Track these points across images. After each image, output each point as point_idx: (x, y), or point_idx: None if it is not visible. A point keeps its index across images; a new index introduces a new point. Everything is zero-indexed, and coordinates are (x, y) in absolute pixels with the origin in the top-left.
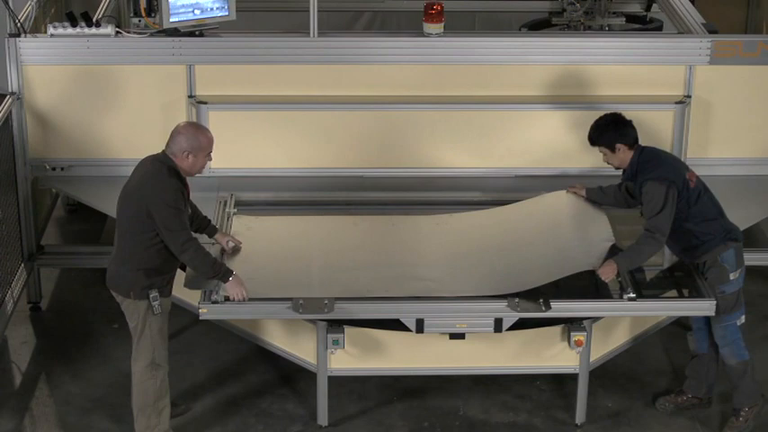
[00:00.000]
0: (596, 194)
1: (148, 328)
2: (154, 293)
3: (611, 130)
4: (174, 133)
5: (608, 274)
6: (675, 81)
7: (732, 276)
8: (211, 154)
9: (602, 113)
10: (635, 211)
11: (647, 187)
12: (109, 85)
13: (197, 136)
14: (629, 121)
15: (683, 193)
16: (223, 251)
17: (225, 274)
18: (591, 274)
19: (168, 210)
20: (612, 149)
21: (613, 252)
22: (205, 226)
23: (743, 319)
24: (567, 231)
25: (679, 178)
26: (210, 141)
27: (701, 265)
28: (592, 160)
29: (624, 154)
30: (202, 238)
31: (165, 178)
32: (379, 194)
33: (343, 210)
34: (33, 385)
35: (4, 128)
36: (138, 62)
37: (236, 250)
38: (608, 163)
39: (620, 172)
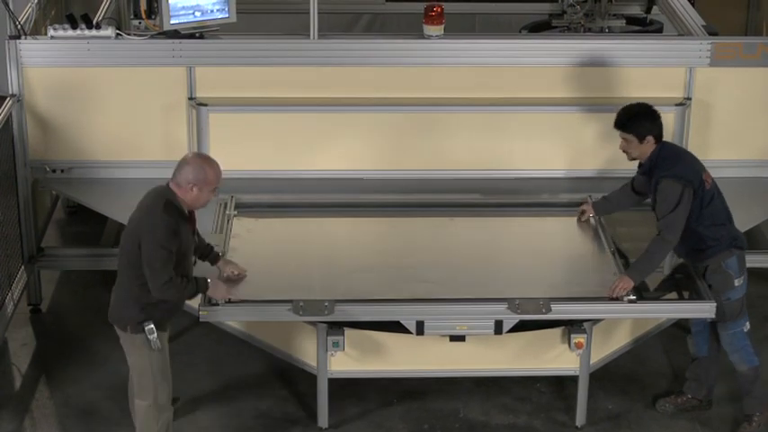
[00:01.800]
0: (603, 207)
1: (150, 366)
2: (149, 326)
3: (647, 119)
4: (181, 163)
5: (625, 287)
6: (676, 83)
7: (737, 283)
8: (217, 190)
9: (601, 115)
10: (636, 214)
11: (663, 184)
12: (109, 87)
13: (204, 168)
14: (660, 115)
15: (698, 194)
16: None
17: (203, 286)
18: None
19: (155, 248)
20: (641, 139)
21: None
22: (207, 254)
23: (748, 325)
24: (572, 256)
25: (696, 178)
26: (218, 175)
27: (700, 268)
28: (592, 162)
29: (648, 146)
30: (204, 266)
31: (158, 214)
32: (379, 197)
33: (344, 212)
34: (33, 387)
35: (5, 130)
36: (139, 64)
37: (239, 278)
38: (625, 151)
39: (617, 172)
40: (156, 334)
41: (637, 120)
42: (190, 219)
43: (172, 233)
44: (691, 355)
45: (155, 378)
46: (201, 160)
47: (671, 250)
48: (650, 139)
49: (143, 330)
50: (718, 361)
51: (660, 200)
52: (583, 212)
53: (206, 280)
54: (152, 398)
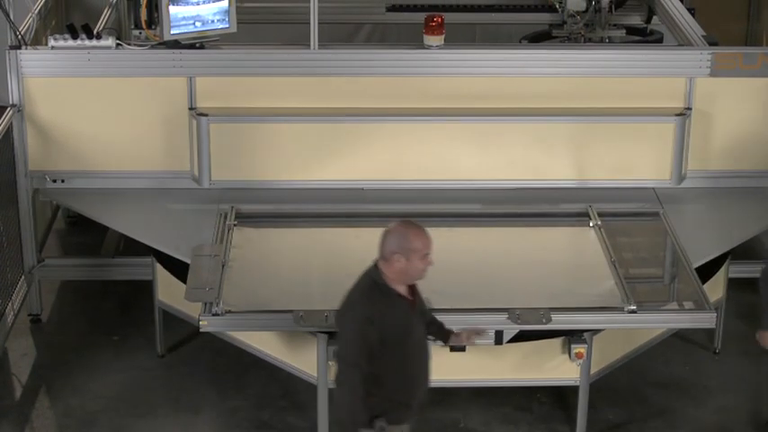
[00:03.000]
0: None
1: None
2: (381, 422)
3: None
4: (384, 234)
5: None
6: (676, 93)
7: None
8: (430, 257)
9: (602, 125)
10: (636, 224)
11: None
12: (109, 97)
13: (406, 235)
14: None
15: None
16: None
17: (360, 419)
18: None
19: (344, 333)
20: None
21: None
22: (437, 331)
23: None
24: (572, 267)
25: None
26: (426, 243)
27: None
28: (593, 172)
29: None
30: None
31: (357, 298)
32: (379, 207)
33: (344, 222)
34: (33, 397)
35: (5, 140)
36: (139, 74)
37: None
38: None
39: (618, 183)
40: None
41: None
42: (409, 295)
43: (364, 320)
44: None
45: None
46: (404, 227)
47: None
48: None
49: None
50: None
51: None
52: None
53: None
54: None
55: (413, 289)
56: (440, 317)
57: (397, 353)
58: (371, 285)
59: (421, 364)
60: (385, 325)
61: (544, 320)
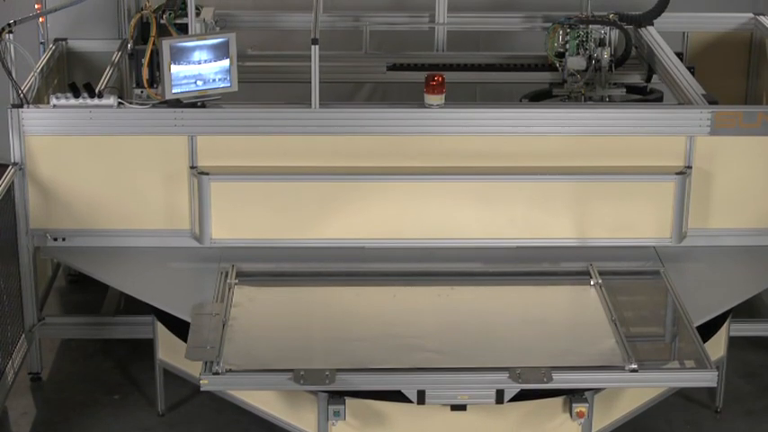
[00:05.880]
0: None
1: None
2: None
3: None
4: None
5: None
6: (676, 152)
7: None
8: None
9: (602, 184)
10: (638, 282)
11: None
12: (111, 155)
13: None
14: None
15: None
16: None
17: None
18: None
19: None
20: None
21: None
22: None
23: None
24: (573, 325)
25: None
26: None
27: None
28: (594, 231)
29: None
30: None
31: None
32: (380, 266)
33: (345, 281)
34: None
35: (7, 198)
36: (141, 133)
37: None
38: None
39: (618, 241)
40: None
41: None
42: None
43: None
44: None
45: None
46: None
47: None
48: None
49: None
50: None
51: None
52: None
53: None
54: None
55: None
56: (441, 376)
57: None
58: None
59: None
60: None
61: (545, 379)
